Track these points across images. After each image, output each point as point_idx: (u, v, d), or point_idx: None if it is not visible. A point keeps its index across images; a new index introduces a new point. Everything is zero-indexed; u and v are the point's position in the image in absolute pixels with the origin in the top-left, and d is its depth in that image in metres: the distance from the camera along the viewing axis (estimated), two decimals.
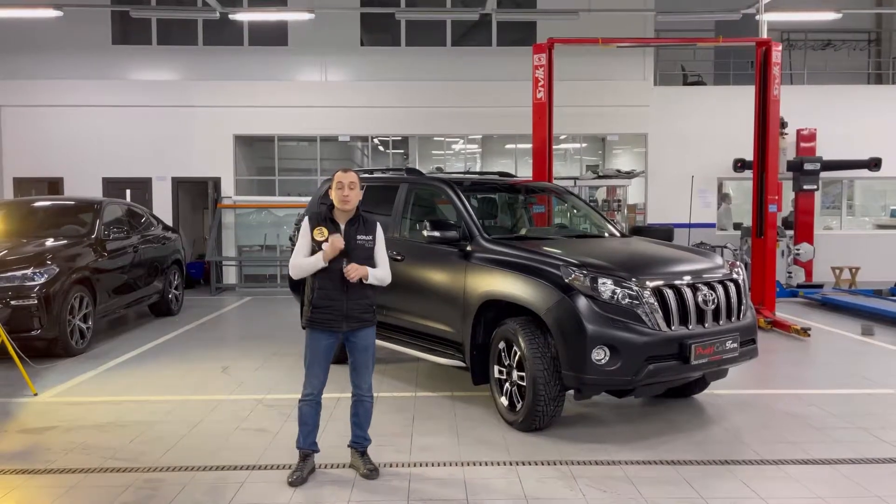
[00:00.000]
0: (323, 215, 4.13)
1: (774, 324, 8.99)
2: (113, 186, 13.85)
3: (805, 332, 8.47)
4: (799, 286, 12.48)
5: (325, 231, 4.02)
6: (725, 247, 12.49)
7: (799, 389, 6.20)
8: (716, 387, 5.91)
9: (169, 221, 13.37)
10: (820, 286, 12.52)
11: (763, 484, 4.09)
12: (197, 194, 15.05)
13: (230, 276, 14.16)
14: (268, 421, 5.29)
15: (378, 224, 4.22)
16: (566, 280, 4.74)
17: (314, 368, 4.17)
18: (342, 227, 4.08)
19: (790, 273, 12.81)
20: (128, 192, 13.77)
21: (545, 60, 9.13)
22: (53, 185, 14.18)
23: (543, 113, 9.12)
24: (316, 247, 4.02)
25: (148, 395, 6.03)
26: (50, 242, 7.85)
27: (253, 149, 15.39)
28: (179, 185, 14.37)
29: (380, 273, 4.15)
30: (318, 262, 4.00)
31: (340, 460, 4.44)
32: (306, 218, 4.15)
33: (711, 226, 14.51)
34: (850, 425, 5.18)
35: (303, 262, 4.08)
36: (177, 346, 8.19)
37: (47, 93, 14.03)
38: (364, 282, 4.07)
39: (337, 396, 5.80)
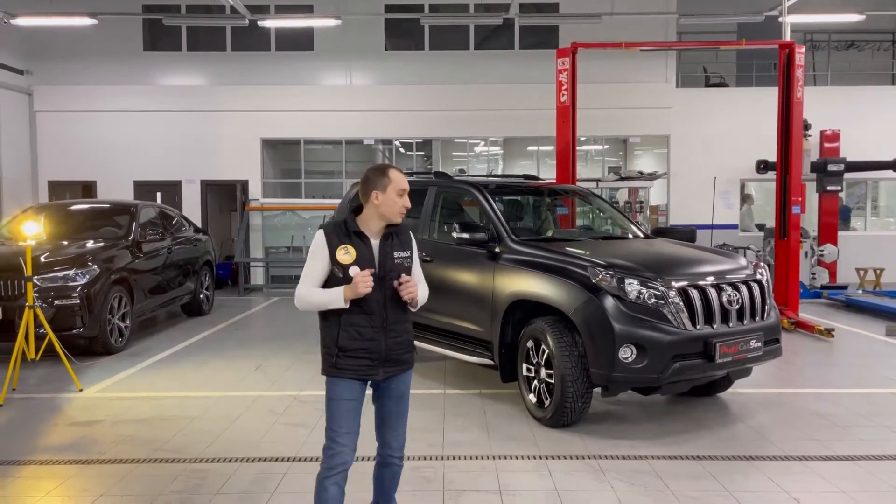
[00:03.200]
0: (347, 227, 3.04)
1: (798, 324, 9.04)
2: (144, 189, 14.19)
3: (829, 332, 8.52)
4: (823, 287, 12.48)
5: (353, 250, 2.98)
6: (748, 248, 12.52)
7: (823, 389, 6.28)
8: (740, 385, 6.01)
9: (198, 223, 13.67)
10: (844, 287, 12.51)
11: (788, 479, 4.20)
12: (224, 197, 15.36)
13: (257, 277, 14.44)
14: (304, 416, 5.49)
15: (410, 232, 3.27)
16: (593, 280, 4.89)
17: (343, 429, 3.12)
18: (374, 242, 3.05)
19: (814, 274, 12.80)
20: (158, 194, 14.10)
21: (569, 64, 9.27)
22: (87, 188, 14.56)
23: (567, 116, 9.25)
24: (338, 271, 2.99)
25: (187, 392, 6.26)
26: (90, 244, 8.13)
27: (279, 152, 15.67)
28: (208, 187, 14.68)
29: (424, 293, 3.23)
30: (338, 300, 2.95)
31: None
32: (320, 232, 3.07)
33: (734, 227, 14.53)
34: (874, 424, 5.26)
35: (314, 297, 3.02)
36: (210, 344, 8.43)
37: (81, 98, 14.41)
38: (409, 306, 3.12)
39: (368, 393, 5.99)
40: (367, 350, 3.04)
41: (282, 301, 12.39)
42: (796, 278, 9.67)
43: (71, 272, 7.38)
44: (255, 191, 14.57)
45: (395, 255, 3.07)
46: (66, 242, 8.16)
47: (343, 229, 3.04)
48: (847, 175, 13.56)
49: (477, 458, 4.57)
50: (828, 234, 13.66)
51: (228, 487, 4.12)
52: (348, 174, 14.88)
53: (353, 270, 2.94)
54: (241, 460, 4.54)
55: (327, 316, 3.06)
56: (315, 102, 14.50)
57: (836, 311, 10.81)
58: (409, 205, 3.06)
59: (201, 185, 14.57)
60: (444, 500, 3.92)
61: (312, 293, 3.02)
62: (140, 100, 14.47)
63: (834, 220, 13.82)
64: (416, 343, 6.48)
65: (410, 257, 3.15)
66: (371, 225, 3.06)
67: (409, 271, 3.12)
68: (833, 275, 13.37)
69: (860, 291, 12.17)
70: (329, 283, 3.04)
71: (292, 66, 14.64)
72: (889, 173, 13.79)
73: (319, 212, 13.81)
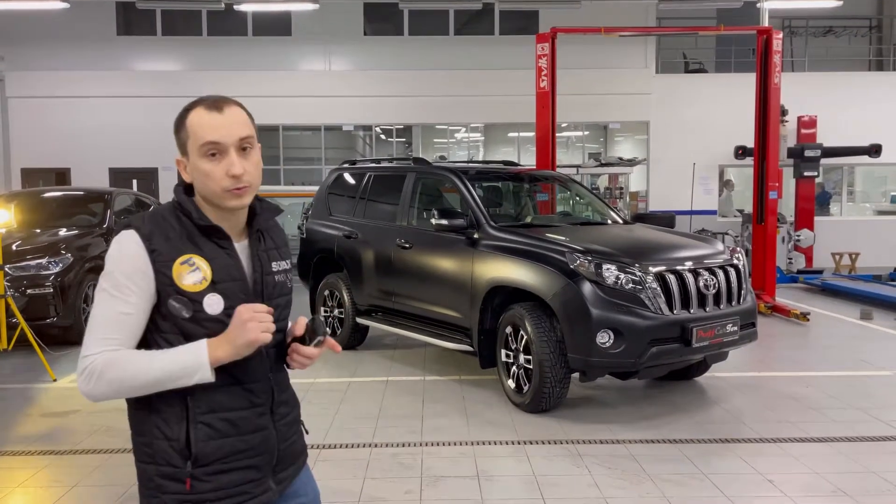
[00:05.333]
0: (189, 219, 1.68)
1: (775, 309, 9.14)
2: (119, 176, 13.99)
3: (805, 316, 8.62)
4: (799, 272, 12.62)
5: (206, 265, 1.64)
6: (726, 233, 12.63)
7: (798, 372, 6.36)
8: (717, 369, 6.06)
9: None
10: (820, 272, 12.66)
11: (762, 460, 4.25)
12: None
13: None
14: None
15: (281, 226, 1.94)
16: (571, 266, 4.89)
17: None
18: (239, 247, 1.73)
19: (791, 259, 12.95)
20: (134, 181, 13.90)
21: (548, 49, 9.23)
22: (61, 176, 14.33)
23: (547, 102, 9.23)
24: (178, 309, 1.61)
25: None
26: (63, 232, 8.00)
27: (258, 138, 15.46)
28: None
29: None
30: (197, 368, 1.58)
31: (361, 440, 4.60)
32: (128, 235, 1.63)
33: (713, 213, 14.64)
34: (848, 406, 5.34)
35: (140, 368, 1.57)
36: None
37: (54, 84, 14.15)
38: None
39: (348, 380, 5.99)
40: (249, 452, 1.69)
41: None
42: (773, 263, 9.76)
43: (44, 261, 7.25)
44: None
45: (274, 267, 1.77)
46: (38, 231, 8.02)
47: (178, 224, 1.64)
48: (824, 161, 13.69)
49: (455, 444, 4.57)
50: (804, 219, 13.82)
51: None
52: (328, 161, 14.77)
53: (211, 303, 1.60)
54: None
55: (159, 402, 1.61)
56: (293, 88, 14.36)
57: (812, 296, 10.94)
58: (238, 171, 1.60)
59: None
60: (421, 486, 3.92)
61: (133, 361, 1.55)
62: (114, 85, 14.23)
63: (810, 206, 13.97)
64: (395, 330, 6.54)
65: (291, 268, 1.88)
66: (219, 216, 1.68)
67: (290, 298, 1.84)
68: (809, 259, 13.54)
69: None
70: (153, 335, 1.62)
71: (270, 52, 14.47)
72: (865, 159, 13.94)
73: (298, 199, 13.69)
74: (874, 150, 13.41)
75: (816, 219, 14.06)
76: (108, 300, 1.58)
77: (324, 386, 5.93)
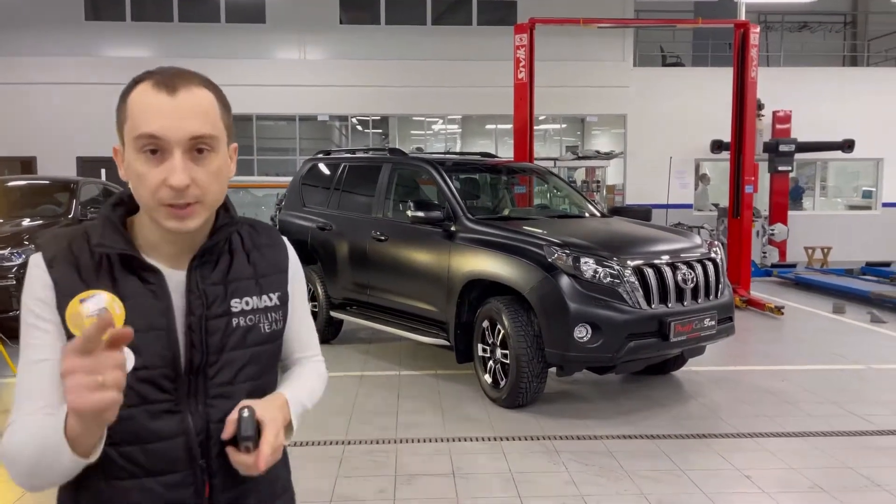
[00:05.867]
0: (103, 243, 1.21)
1: (749, 302, 9.17)
2: (88, 166, 13.65)
3: (779, 310, 8.67)
4: (773, 266, 12.71)
5: (116, 306, 1.12)
6: (702, 227, 12.67)
7: (773, 366, 6.36)
8: (693, 363, 6.04)
9: None
10: (793, 266, 12.77)
11: (739, 456, 4.22)
12: None
13: None
14: None
15: (287, 242, 1.44)
16: (549, 259, 4.81)
17: None
18: (177, 278, 1.24)
19: (765, 253, 13.04)
20: (103, 171, 13.56)
21: (526, 41, 9.14)
22: (27, 165, 13.95)
23: (525, 93, 9.15)
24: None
25: None
26: (26, 223, 7.75)
27: (231, 136, 15.21)
28: None
29: (307, 391, 1.42)
30: (59, 442, 1.04)
31: (334, 437, 4.49)
32: (36, 260, 1.21)
33: (689, 207, 14.70)
34: (823, 400, 5.34)
35: (23, 447, 1.08)
36: None
37: (19, 70, 13.75)
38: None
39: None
40: None
41: None
42: (748, 257, 9.80)
43: (6, 252, 7.01)
44: None
45: (233, 306, 1.27)
46: (1, 221, 7.76)
47: (90, 249, 1.22)
48: (797, 156, 13.79)
49: (431, 440, 4.48)
50: (778, 213, 13.92)
51: None
52: (303, 151, 14.55)
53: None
54: None
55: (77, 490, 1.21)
56: (267, 77, 14.11)
57: (785, 289, 11.02)
58: (178, 181, 1.14)
59: None
60: (395, 484, 3.83)
61: (17, 432, 1.12)
62: (82, 71, 13.86)
63: (784, 200, 14.08)
64: (370, 324, 6.42)
65: (282, 304, 1.35)
66: (165, 237, 1.23)
67: (271, 338, 1.33)
68: (783, 253, 13.65)
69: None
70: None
71: (243, 39, 14.19)
72: (838, 154, 14.08)
73: (272, 189, 13.50)
74: (847, 146, 13.55)
75: (790, 213, 14.18)
76: (24, 347, 1.18)
77: None
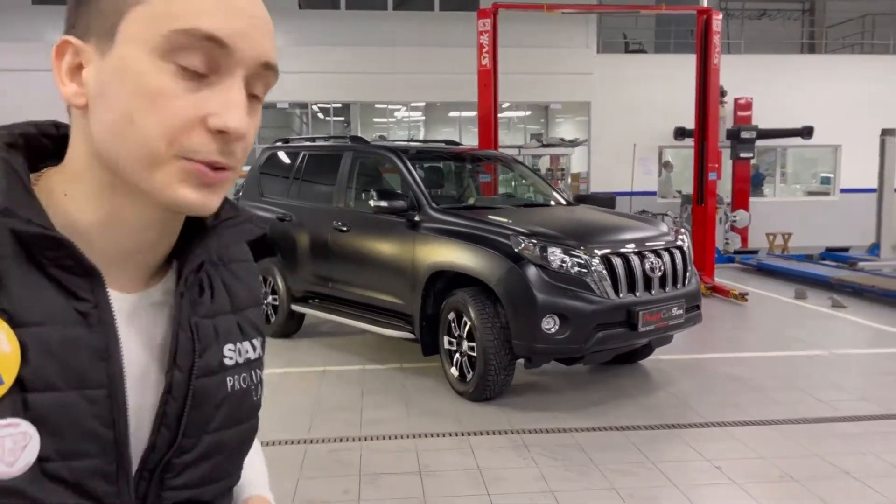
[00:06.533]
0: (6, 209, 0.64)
1: (714, 289, 9.22)
2: None
3: (743, 296, 8.72)
4: (736, 252, 12.85)
5: (4, 340, 0.61)
6: (666, 214, 12.72)
7: (739, 353, 6.37)
8: (660, 352, 6.00)
9: None
10: (755, 252, 12.91)
11: (709, 446, 4.17)
12: None
13: None
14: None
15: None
16: (516, 249, 4.70)
17: None
18: (127, 297, 0.75)
19: (727, 239, 13.16)
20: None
21: (490, 26, 9.00)
22: None
23: (489, 80, 9.01)
24: None
25: None
26: None
27: None
28: None
29: (266, 481, 0.99)
30: None
31: (295, 436, 4.33)
32: None
33: (653, 194, 14.76)
34: (789, 387, 5.34)
35: None
36: None
37: None
38: None
39: (283, 371, 5.72)
40: None
41: None
42: (713, 244, 9.85)
43: None
44: None
45: (228, 353, 0.81)
46: None
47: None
48: (758, 142, 13.93)
49: (397, 437, 4.35)
50: (740, 200, 14.06)
51: None
52: (262, 140, 14.19)
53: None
54: None
55: None
56: None
57: (748, 276, 11.12)
58: (237, 123, 0.68)
59: None
60: (360, 484, 3.69)
61: None
62: (28, 57, 13.25)
63: (746, 187, 14.22)
64: (332, 317, 6.23)
65: (263, 355, 0.87)
66: (99, 223, 0.72)
67: (252, 428, 0.85)
68: (745, 240, 13.80)
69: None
70: None
71: None
72: (798, 141, 14.25)
73: None
74: (807, 132, 13.72)
75: (751, 200, 14.33)
76: None
77: None
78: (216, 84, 0.68)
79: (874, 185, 13.75)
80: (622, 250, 4.86)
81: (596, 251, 4.75)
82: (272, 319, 6.78)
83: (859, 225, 14.70)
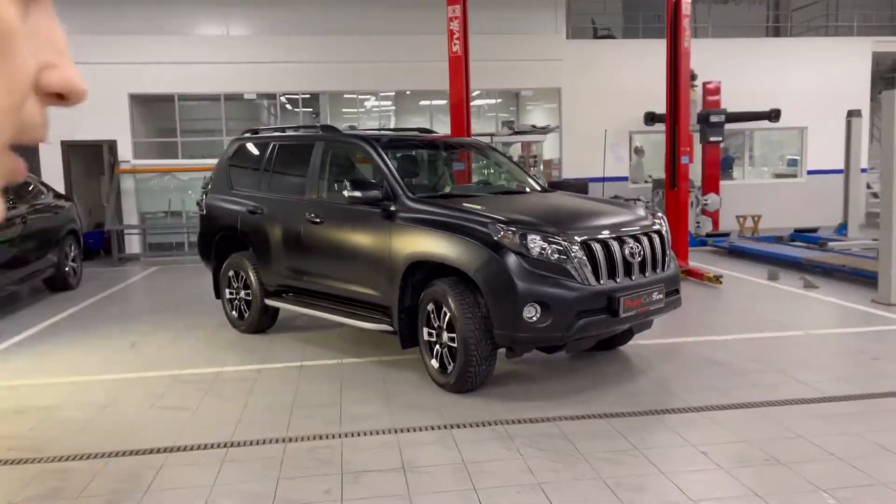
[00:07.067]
0: None
1: (688, 273, 9.25)
2: None
3: (718, 279, 8.76)
4: (708, 235, 12.94)
5: None
6: (638, 199, 12.74)
7: (717, 336, 6.38)
8: (639, 337, 5.97)
9: (61, 189, 12.42)
10: (727, 234, 13.02)
11: (693, 431, 4.15)
12: (91, 159, 14.03)
13: (133, 245, 13.38)
14: (185, 398, 4.97)
15: None
16: (495, 238, 4.62)
17: None
18: None
19: (699, 223, 13.25)
20: None
21: (460, 12, 8.88)
22: None
23: (460, 67, 8.91)
24: None
25: (49, 378, 5.56)
26: None
27: (152, 109, 14.45)
28: (70, 149, 13.33)
29: None
30: None
31: (273, 434, 4.20)
32: None
33: (624, 179, 14.79)
34: (767, 368, 5.36)
35: None
36: (78, 322, 7.62)
37: None
38: None
39: (258, 367, 5.59)
40: None
41: (162, 270, 11.52)
42: (686, 227, 9.88)
43: None
44: (125, 152, 13.36)
45: None
46: None
47: None
48: (727, 126, 14.01)
49: (378, 432, 4.25)
50: (711, 183, 14.16)
51: (93, 489, 3.60)
52: (229, 132, 13.91)
53: None
54: (109, 455, 4.00)
55: None
56: (189, 54, 13.38)
57: (720, 258, 11.20)
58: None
59: (62, 146, 13.20)
60: (342, 483, 3.58)
61: None
62: None
63: (716, 171, 14.33)
64: (307, 311, 6.09)
65: None
66: None
67: None
68: (716, 223, 13.91)
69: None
70: None
71: (163, 14, 13.40)
72: (765, 124, 14.37)
73: (199, 173, 12.89)
74: (774, 115, 13.83)
75: (721, 183, 14.44)
76: None
77: (231, 375, 5.47)
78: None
79: (840, 166, 13.97)
80: (602, 236, 4.80)
81: (576, 237, 4.68)
82: (245, 315, 6.62)
83: (826, 205, 14.94)
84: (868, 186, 16.11)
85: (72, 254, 9.65)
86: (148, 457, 3.97)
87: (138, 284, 10.31)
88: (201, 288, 9.21)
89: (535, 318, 4.50)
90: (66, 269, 9.41)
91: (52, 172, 12.90)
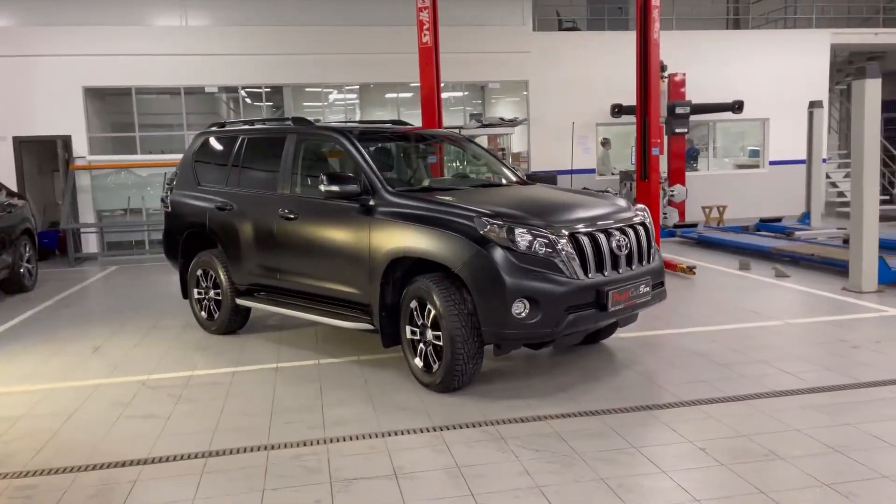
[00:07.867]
0: None
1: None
2: None
3: (691, 270, 8.78)
4: (675, 226, 13.01)
5: None
6: (607, 191, 12.73)
7: (697, 327, 6.35)
8: (621, 330, 5.89)
9: (13, 187, 11.90)
10: (694, 225, 13.11)
11: (687, 426, 4.07)
12: (45, 155, 13.47)
13: (91, 244, 12.89)
14: (155, 405, 4.72)
15: None
16: (481, 232, 4.47)
17: None
18: None
19: (665, 214, 13.32)
20: None
21: (429, 2, 8.71)
22: None
23: (430, 58, 8.73)
24: None
25: (8, 387, 5.24)
26: None
27: (108, 103, 13.94)
28: (22, 145, 12.77)
29: None
30: None
31: (254, 442, 4.00)
32: None
33: (592, 171, 14.80)
34: (751, 359, 5.33)
35: None
36: (35, 326, 7.25)
37: None
38: None
39: (232, 370, 5.36)
40: None
41: (121, 270, 11.10)
42: (657, 219, 9.86)
43: None
44: (80, 147, 12.85)
45: None
46: None
47: None
48: (691, 118, 14.12)
49: (364, 436, 4.07)
50: (677, 175, 14.25)
51: None
52: (190, 126, 13.51)
53: None
54: (78, 469, 3.75)
55: None
56: (146, 46, 12.93)
57: (689, 249, 11.26)
58: None
59: (14, 142, 12.63)
60: (332, 492, 3.40)
61: None
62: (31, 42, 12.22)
63: (682, 162, 14.42)
64: (281, 310, 5.86)
65: None
66: None
67: None
68: (682, 214, 14.02)
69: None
70: None
71: (118, 4, 12.91)
72: (728, 115, 14.52)
73: (159, 169, 12.47)
74: (737, 107, 13.98)
75: (686, 174, 14.55)
76: None
77: (203, 379, 5.23)
78: None
79: (799, 156, 14.20)
80: (589, 229, 4.70)
81: (563, 231, 4.56)
82: (215, 315, 6.37)
83: (789, 195, 15.19)
84: (827, 176, 16.43)
85: (26, 254, 9.22)
86: (120, 470, 3.73)
87: (97, 285, 9.91)
88: (165, 287, 8.89)
89: (523, 314, 4.38)
90: (21, 270, 8.98)
91: (4, 170, 12.36)
